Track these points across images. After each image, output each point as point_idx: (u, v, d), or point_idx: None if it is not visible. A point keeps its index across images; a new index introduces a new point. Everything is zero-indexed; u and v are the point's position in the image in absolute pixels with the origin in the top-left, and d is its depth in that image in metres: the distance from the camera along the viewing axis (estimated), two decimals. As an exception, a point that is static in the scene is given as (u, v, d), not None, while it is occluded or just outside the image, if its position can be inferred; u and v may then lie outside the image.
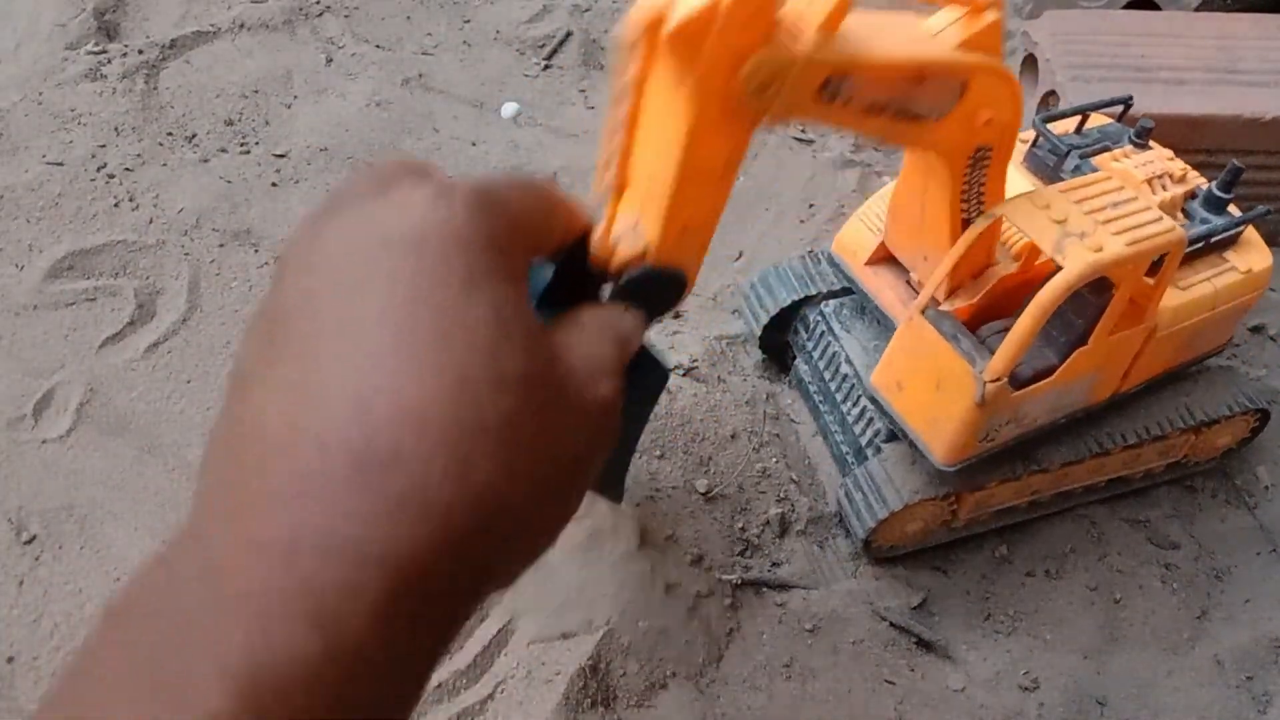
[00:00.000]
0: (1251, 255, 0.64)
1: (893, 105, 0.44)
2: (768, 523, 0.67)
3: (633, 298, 0.38)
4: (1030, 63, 0.91)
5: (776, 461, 0.71)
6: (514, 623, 0.59)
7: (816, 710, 0.60)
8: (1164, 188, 0.61)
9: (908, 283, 0.63)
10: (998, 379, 0.53)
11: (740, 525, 0.66)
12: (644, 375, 0.39)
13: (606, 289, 0.38)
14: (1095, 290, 0.54)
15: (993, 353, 0.54)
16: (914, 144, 0.50)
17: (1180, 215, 0.62)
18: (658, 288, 0.39)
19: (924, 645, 0.64)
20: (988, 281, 0.57)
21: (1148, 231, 0.52)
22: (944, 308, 0.57)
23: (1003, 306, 0.58)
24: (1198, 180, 0.63)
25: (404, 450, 0.25)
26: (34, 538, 0.63)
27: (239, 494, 0.26)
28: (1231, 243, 0.63)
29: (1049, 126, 0.63)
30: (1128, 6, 1.02)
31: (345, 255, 0.29)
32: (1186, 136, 0.68)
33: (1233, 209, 0.62)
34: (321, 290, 0.28)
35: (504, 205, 0.31)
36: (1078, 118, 0.65)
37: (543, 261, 0.36)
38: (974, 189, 0.53)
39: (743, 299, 0.75)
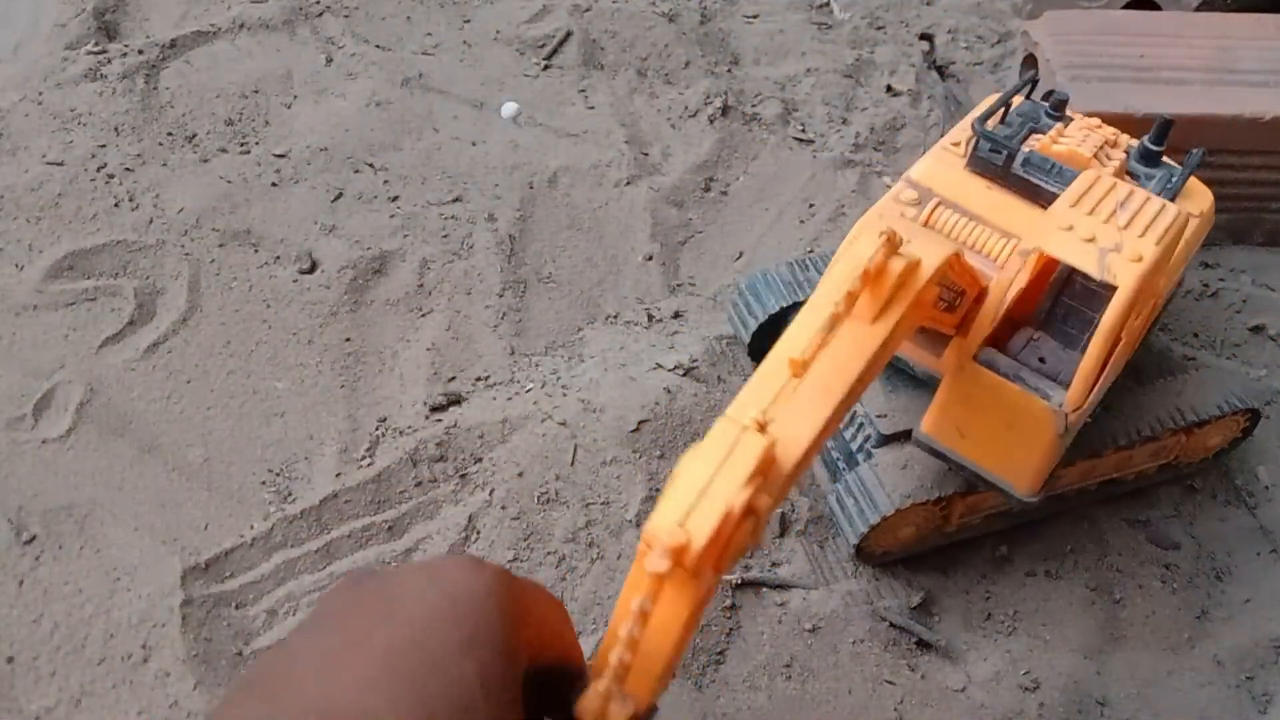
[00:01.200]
0: (1196, 197, 0.66)
1: (846, 407, 0.45)
2: (767, 523, 0.67)
3: None
4: (1030, 63, 0.91)
5: (776, 461, 0.71)
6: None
7: (816, 710, 0.60)
8: (1109, 157, 0.62)
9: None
10: (1078, 409, 0.54)
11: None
12: None
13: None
14: (1106, 284, 0.54)
15: (1049, 376, 0.54)
16: (880, 370, 0.51)
17: (1126, 177, 0.63)
18: None
19: (924, 645, 0.64)
20: (1002, 300, 0.57)
21: (1164, 223, 0.52)
22: (973, 342, 0.56)
23: (1013, 315, 0.58)
24: (1126, 140, 0.65)
25: None
26: (34, 538, 0.63)
27: None
28: (1180, 191, 0.65)
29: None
30: (1128, 6, 1.02)
31: (373, 599, 0.32)
32: (1186, 136, 0.68)
33: (1166, 160, 0.64)
34: (334, 628, 0.31)
35: (523, 595, 0.34)
36: (1000, 111, 0.65)
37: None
38: (946, 297, 0.54)
39: (730, 306, 0.75)
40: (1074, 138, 0.63)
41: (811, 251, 0.86)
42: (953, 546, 0.69)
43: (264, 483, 0.68)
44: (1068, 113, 0.66)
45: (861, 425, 0.65)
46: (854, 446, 0.66)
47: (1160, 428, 0.66)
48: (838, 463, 0.67)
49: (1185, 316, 0.83)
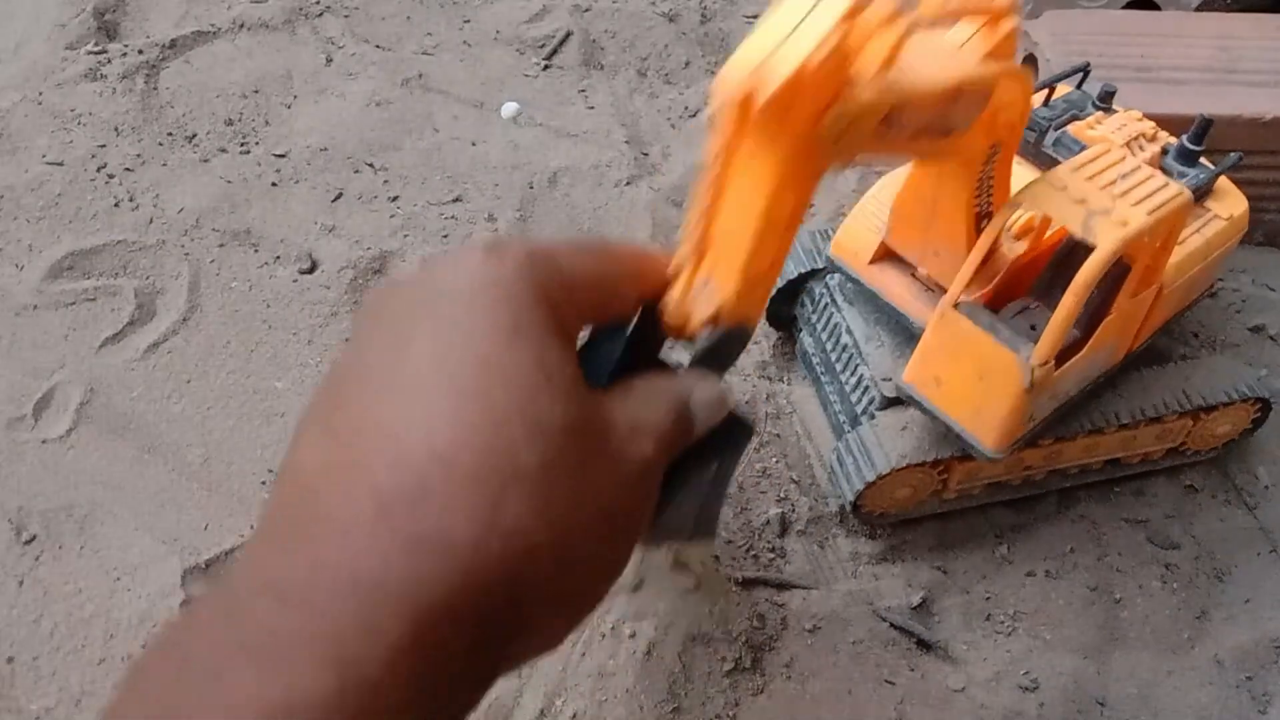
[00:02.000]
0: (1230, 201, 0.66)
1: (934, 125, 0.45)
2: (768, 522, 0.67)
3: (707, 362, 0.38)
4: (1030, 62, 0.91)
5: (776, 461, 0.71)
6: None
7: (816, 710, 0.60)
8: (1141, 148, 0.63)
9: (914, 276, 0.63)
10: (1045, 363, 0.54)
11: (740, 525, 0.66)
12: (728, 429, 0.40)
13: (673, 355, 0.39)
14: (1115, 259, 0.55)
15: (1026, 335, 0.55)
16: (944, 156, 0.51)
17: (1158, 172, 0.63)
18: (727, 347, 0.39)
19: (924, 645, 0.64)
20: (1000, 267, 0.58)
21: (1161, 198, 0.53)
22: (964, 298, 0.57)
23: (1014, 286, 0.59)
24: (1167, 138, 0.66)
25: (429, 489, 0.25)
26: (34, 538, 0.63)
27: (270, 540, 0.26)
28: (1209, 193, 0.66)
29: None
30: (1128, 6, 1.02)
31: (400, 309, 0.30)
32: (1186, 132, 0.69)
33: (1204, 161, 0.65)
34: (374, 341, 0.29)
35: (557, 264, 0.32)
36: (1044, 92, 0.67)
37: (613, 334, 0.37)
38: (985, 184, 0.54)
39: None
40: (1109, 126, 0.64)
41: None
42: (953, 546, 0.69)
43: (264, 483, 0.68)
44: (1115, 105, 0.67)
45: (867, 389, 0.66)
46: (859, 410, 0.66)
47: (1166, 409, 0.66)
48: (843, 425, 0.68)
49: (1185, 316, 0.83)
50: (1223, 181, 0.67)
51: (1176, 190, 0.54)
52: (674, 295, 0.38)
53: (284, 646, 0.23)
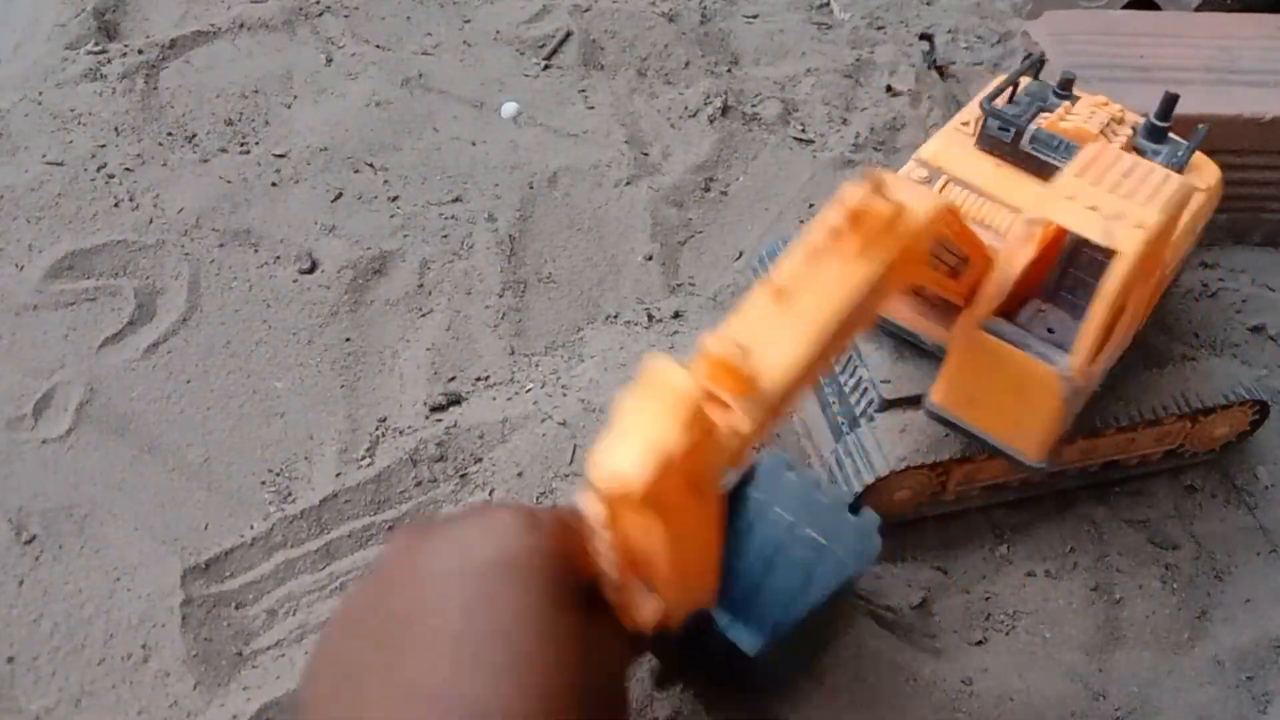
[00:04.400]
0: (1204, 173, 0.67)
1: (827, 344, 0.45)
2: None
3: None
4: (1037, 61, 0.91)
5: (776, 461, 0.71)
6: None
7: (817, 710, 0.60)
8: (1115, 134, 0.64)
9: (917, 293, 0.63)
10: (1083, 373, 0.54)
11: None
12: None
13: None
14: (1109, 253, 0.55)
15: (1056, 344, 0.55)
16: (872, 322, 0.52)
17: (1133, 152, 0.64)
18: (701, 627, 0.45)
19: (924, 645, 0.64)
20: (1010, 277, 0.58)
21: (1167, 192, 0.53)
22: (981, 311, 0.57)
23: (1020, 288, 0.59)
24: (1133, 117, 0.66)
25: None
26: (34, 538, 0.63)
27: None
28: (1186, 166, 0.66)
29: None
30: (1128, 6, 1.02)
31: (451, 571, 0.33)
32: (1186, 136, 0.69)
33: (1173, 136, 0.66)
34: (428, 600, 0.33)
35: (572, 533, 0.36)
36: (1009, 90, 0.67)
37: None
38: (945, 258, 0.54)
39: (751, 272, 0.76)
40: (1081, 115, 0.64)
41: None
42: (953, 546, 0.69)
43: (264, 483, 0.68)
44: (1075, 91, 0.68)
45: (865, 391, 0.66)
46: (858, 411, 0.66)
47: (1164, 411, 0.66)
48: (842, 427, 0.68)
49: (1185, 316, 0.83)
50: (1196, 155, 0.67)
51: (1178, 181, 0.54)
52: (620, 595, 0.40)
53: None
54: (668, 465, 0.35)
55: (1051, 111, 0.65)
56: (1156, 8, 1.02)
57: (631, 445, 0.35)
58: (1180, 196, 0.53)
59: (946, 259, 0.54)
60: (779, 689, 0.55)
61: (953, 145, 0.67)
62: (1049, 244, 0.60)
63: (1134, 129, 0.66)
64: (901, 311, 0.63)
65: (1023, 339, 0.56)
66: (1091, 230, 0.52)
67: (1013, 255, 0.56)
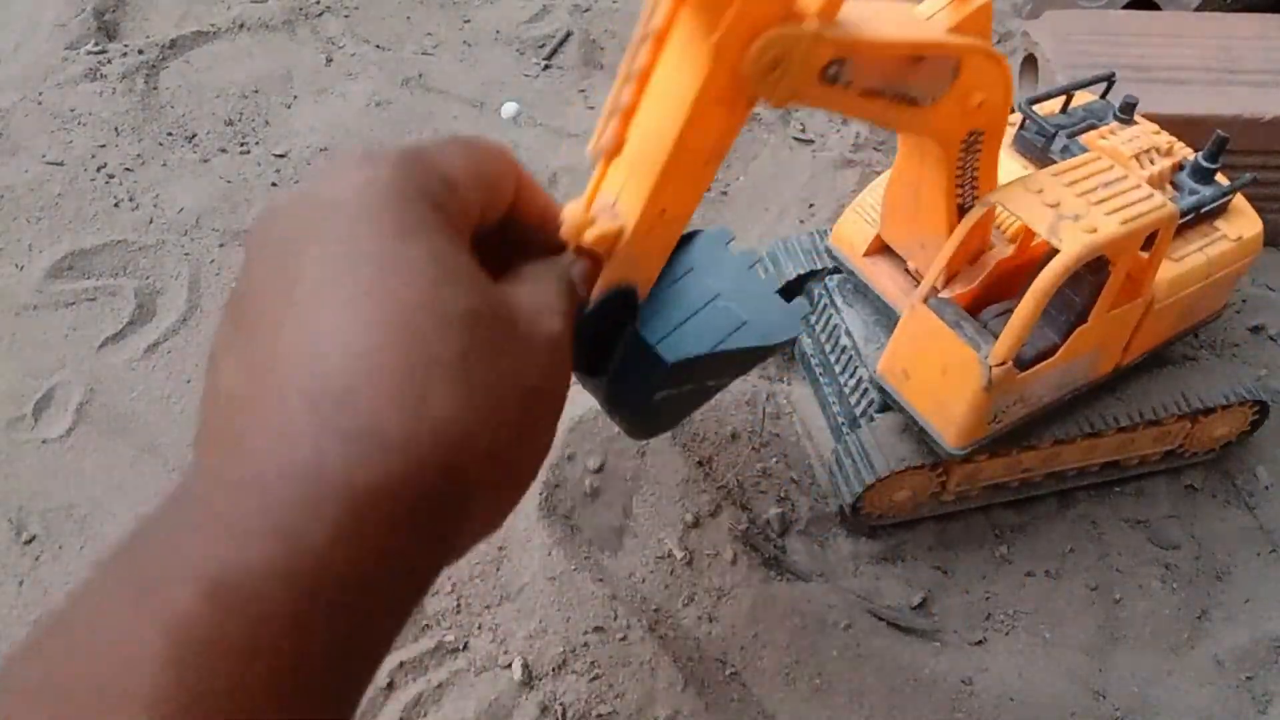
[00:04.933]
0: (1242, 222, 0.65)
1: (889, 89, 0.44)
2: (768, 522, 0.67)
3: (593, 324, 0.39)
4: (1030, 62, 0.91)
5: (776, 461, 0.71)
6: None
7: (817, 709, 0.60)
8: (1151, 162, 0.62)
9: (906, 271, 0.63)
10: (1002, 363, 0.54)
11: (741, 525, 0.66)
12: (628, 304, 0.41)
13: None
14: (1092, 269, 0.55)
15: (996, 336, 0.55)
16: (909, 129, 0.50)
17: (1169, 188, 0.63)
18: (616, 306, 0.40)
19: (923, 644, 0.63)
20: (985, 266, 0.58)
21: (1140, 209, 0.53)
22: (944, 295, 0.57)
23: (1002, 289, 0.59)
24: (1184, 152, 0.65)
25: (354, 387, 0.26)
26: (34, 538, 0.63)
27: (211, 452, 0.28)
28: (1221, 211, 0.65)
29: (1035, 108, 0.65)
30: (1128, 6, 1.02)
31: (288, 228, 0.31)
32: (1186, 136, 0.69)
33: (1220, 178, 0.64)
34: (270, 262, 0.30)
35: (434, 163, 0.33)
36: (1063, 98, 0.66)
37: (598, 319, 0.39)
38: (968, 174, 0.53)
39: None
40: (1122, 137, 0.63)
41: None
42: (953, 546, 0.69)
43: (264, 483, 0.68)
44: (1136, 117, 0.66)
45: (866, 391, 0.66)
46: (858, 411, 0.67)
47: (1164, 412, 0.66)
48: (842, 427, 0.68)
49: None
50: (1240, 202, 0.66)
51: (1159, 203, 0.53)
52: (580, 201, 0.37)
53: (237, 524, 0.25)
54: None
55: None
56: (1156, 8, 1.02)
57: None
58: (1155, 219, 0.53)
59: (967, 176, 0.53)
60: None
61: None
62: (1035, 248, 0.60)
63: (1180, 164, 0.64)
64: (886, 284, 0.63)
65: (957, 320, 0.56)
66: (1038, 223, 0.52)
67: (967, 225, 0.55)
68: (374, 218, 0.29)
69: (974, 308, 0.58)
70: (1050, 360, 0.57)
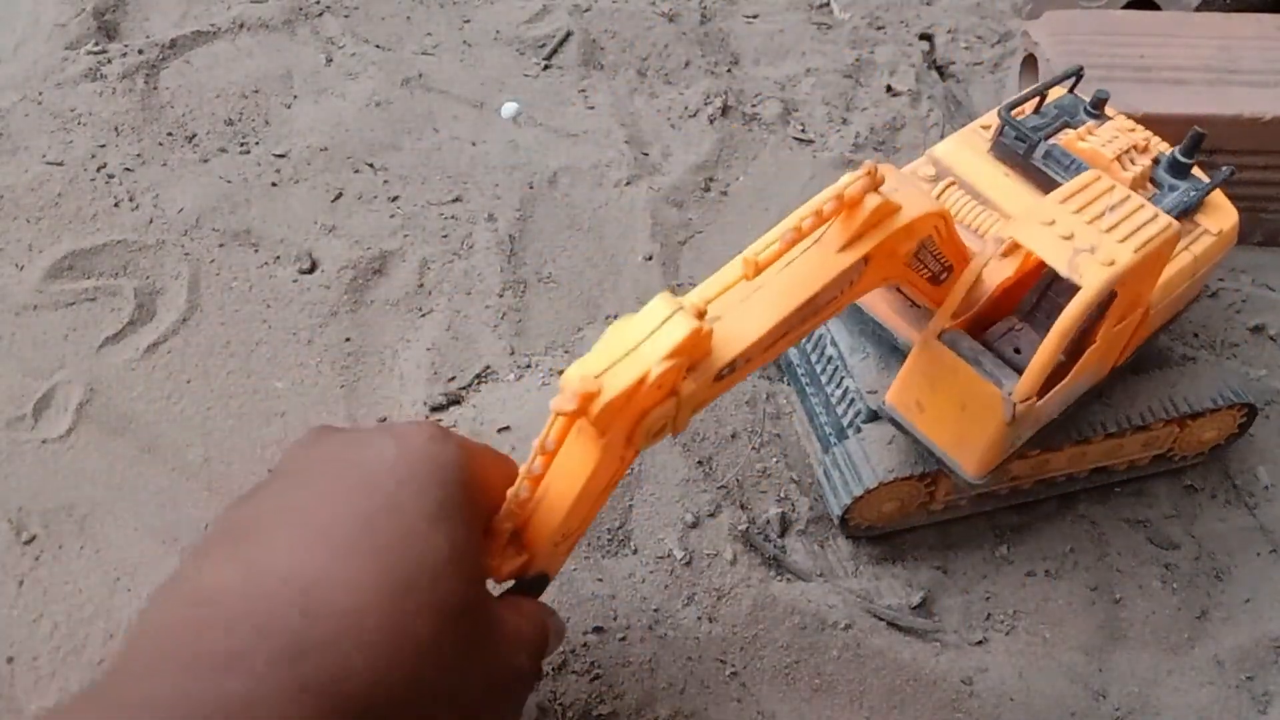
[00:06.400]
0: (1219, 215, 0.65)
1: (795, 325, 0.46)
2: (768, 522, 0.67)
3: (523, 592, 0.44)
4: (1030, 62, 0.91)
5: (776, 461, 0.71)
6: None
7: (817, 709, 0.60)
8: (1132, 162, 0.62)
9: (897, 289, 0.63)
10: (1027, 399, 0.54)
11: (741, 525, 0.66)
12: None
13: None
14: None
15: (1011, 365, 0.54)
16: (837, 313, 0.52)
17: (1149, 185, 0.63)
18: (532, 588, 0.44)
19: (923, 645, 0.64)
20: (985, 289, 0.58)
21: (1148, 233, 0.52)
22: (949, 323, 0.57)
23: (1000, 305, 0.58)
24: (1160, 146, 0.65)
25: (332, 644, 0.27)
26: (34, 538, 0.63)
27: (171, 649, 0.27)
28: (1199, 206, 0.65)
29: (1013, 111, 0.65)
30: (1128, 6, 1.02)
31: (336, 463, 0.32)
32: (1184, 136, 0.69)
33: (1196, 172, 0.64)
34: (304, 487, 0.31)
35: (481, 463, 0.35)
36: (1036, 99, 0.66)
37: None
38: (928, 263, 0.54)
39: None
40: (1101, 137, 0.63)
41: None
42: (953, 546, 0.69)
43: (264, 483, 0.68)
44: (1108, 111, 0.66)
45: (853, 401, 0.66)
46: (845, 422, 0.66)
47: (1152, 417, 0.66)
48: (830, 437, 0.68)
49: (1185, 316, 0.83)
50: (1215, 195, 0.66)
51: (1165, 223, 0.53)
52: (493, 546, 0.41)
53: None
54: (642, 383, 0.37)
55: (1076, 128, 0.64)
56: (1156, 8, 1.02)
57: (615, 358, 0.38)
58: (1163, 240, 0.52)
59: (930, 264, 0.54)
60: None
61: (967, 148, 0.66)
62: (1030, 263, 0.60)
63: (1156, 159, 0.64)
64: (879, 304, 0.63)
65: (976, 355, 0.55)
66: (1057, 260, 0.51)
67: (978, 266, 0.55)
68: (424, 487, 0.31)
69: (975, 328, 0.58)
70: (1063, 383, 0.57)
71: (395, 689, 0.28)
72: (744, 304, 0.44)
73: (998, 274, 0.58)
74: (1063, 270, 0.51)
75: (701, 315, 0.41)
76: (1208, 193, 0.63)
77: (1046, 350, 0.52)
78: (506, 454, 0.40)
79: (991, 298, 0.58)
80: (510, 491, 0.41)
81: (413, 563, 0.30)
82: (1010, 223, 0.54)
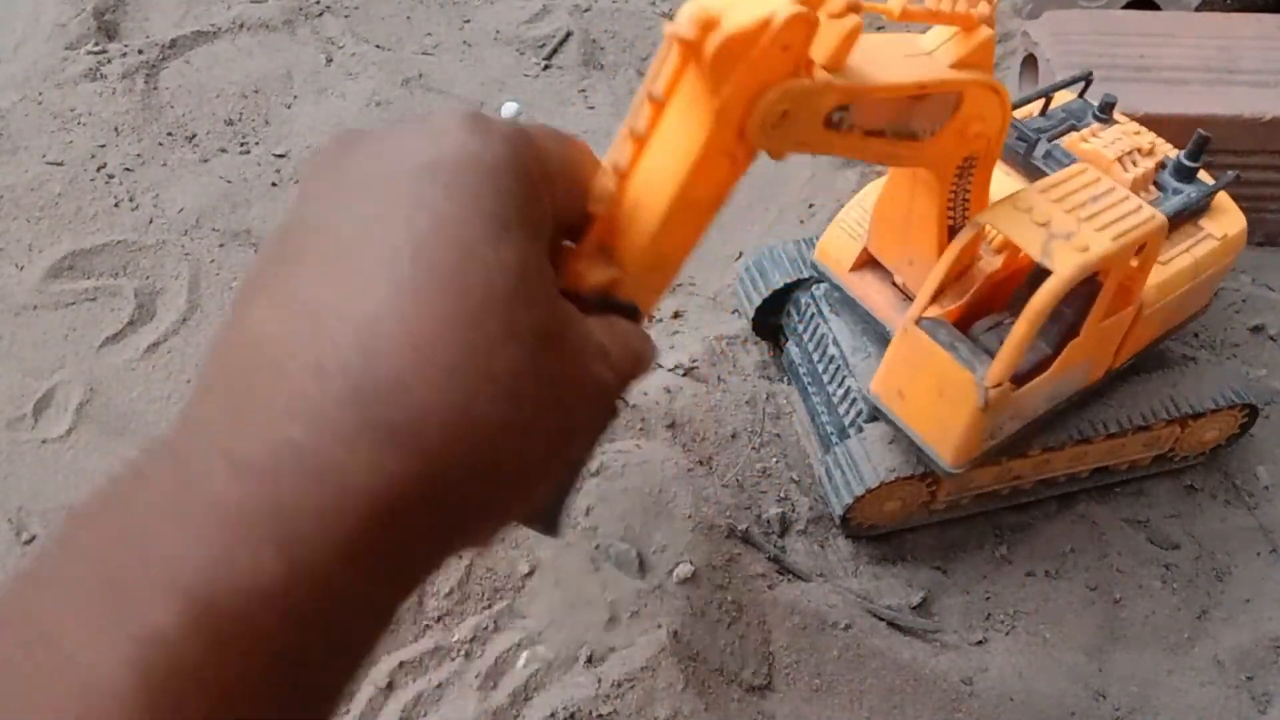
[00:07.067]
0: (1225, 220, 0.65)
1: (891, 128, 0.45)
2: (768, 522, 0.67)
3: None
4: (1030, 63, 0.91)
5: (776, 461, 0.71)
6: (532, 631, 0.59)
7: (817, 709, 0.60)
8: (1134, 163, 0.62)
9: (893, 284, 0.63)
10: (999, 384, 0.54)
11: (741, 525, 0.66)
12: None
13: None
14: (1084, 281, 0.54)
15: (989, 353, 0.54)
16: (906, 163, 0.50)
17: (1152, 188, 0.63)
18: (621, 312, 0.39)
19: (923, 644, 0.64)
20: (974, 281, 0.58)
21: (1130, 223, 0.52)
22: (933, 310, 0.57)
23: (990, 301, 0.58)
24: (1166, 150, 0.64)
25: (404, 381, 0.24)
26: (34, 538, 0.63)
27: (225, 408, 0.25)
28: (1204, 210, 0.64)
29: (1016, 113, 0.64)
30: (1128, 6, 1.02)
31: (373, 175, 0.28)
32: (1186, 136, 0.68)
33: (1203, 175, 0.63)
34: (343, 208, 0.27)
35: (543, 152, 0.30)
36: (1041, 100, 0.66)
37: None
38: (960, 196, 0.53)
39: (737, 281, 0.76)
40: (1104, 139, 0.63)
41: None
42: (953, 546, 0.69)
43: (264, 483, 0.68)
44: (1116, 115, 0.66)
45: (854, 401, 0.66)
46: (846, 421, 0.66)
47: (1153, 417, 0.66)
48: (831, 437, 0.68)
49: (1185, 316, 0.84)
50: (1223, 199, 0.65)
51: (1149, 214, 0.53)
52: (582, 248, 0.36)
53: (235, 522, 0.22)
54: (767, 26, 0.33)
55: (1081, 131, 0.64)
56: (1156, 8, 1.02)
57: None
58: (1145, 232, 0.52)
59: (959, 199, 0.53)
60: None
61: None
62: (1022, 259, 0.60)
63: (1162, 163, 0.63)
64: (874, 298, 0.63)
65: (952, 341, 0.55)
66: (1030, 245, 0.51)
67: (956, 248, 0.55)
68: (473, 196, 0.27)
69: (964, 322, 0.58)
70: (1045, 375, 0.57)
71: (479, 430, 0.25)
72: (871, 61, 0.42)
73: (989, 267, 0.58)
74: (1035, 255, 0.51)
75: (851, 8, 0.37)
76: (1209, 196, 0.63)
77: (1017, 334, 0.52)
78: (577, 139, 0.34)
79: (983, 293, 0.58)
80: (606, 162, 0.35)
81: (479, 288, 0.26)
82: (992, 211, 0.54)
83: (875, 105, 0.42)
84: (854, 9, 0.37)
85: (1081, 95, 0.68)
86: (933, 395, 0.57)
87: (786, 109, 0.36)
